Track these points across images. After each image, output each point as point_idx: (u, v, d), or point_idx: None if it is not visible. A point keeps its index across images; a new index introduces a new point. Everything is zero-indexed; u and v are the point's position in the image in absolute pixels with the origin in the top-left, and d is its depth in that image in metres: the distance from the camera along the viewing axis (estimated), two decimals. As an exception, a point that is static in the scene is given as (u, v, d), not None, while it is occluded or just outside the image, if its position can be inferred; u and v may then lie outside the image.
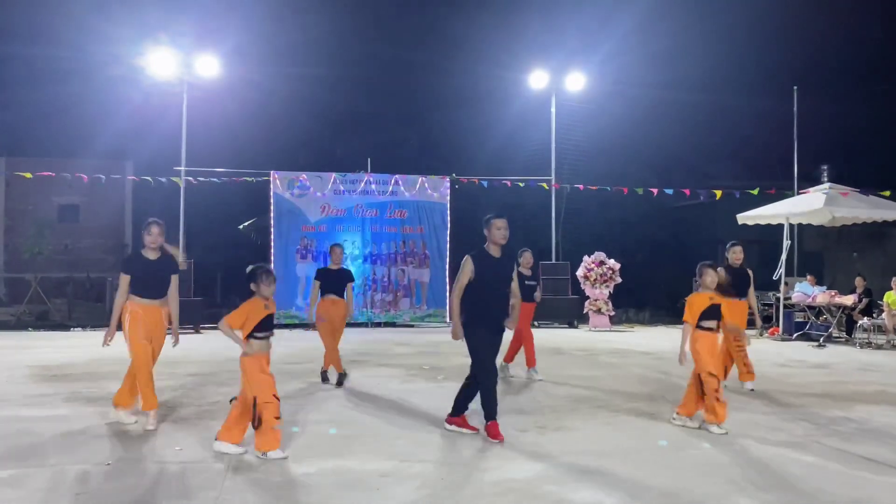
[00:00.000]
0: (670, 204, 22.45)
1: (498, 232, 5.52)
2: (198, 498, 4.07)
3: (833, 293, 13.39)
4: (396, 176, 16.74)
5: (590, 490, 4.24)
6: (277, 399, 4.93)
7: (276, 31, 30.83)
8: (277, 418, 4.87)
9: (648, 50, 28.33)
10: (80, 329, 15.71)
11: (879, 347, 12.27)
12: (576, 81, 18.00)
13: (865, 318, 12.89)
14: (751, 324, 10.11)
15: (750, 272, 8.00)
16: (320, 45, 31.26)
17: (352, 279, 8.03)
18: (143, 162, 24.92)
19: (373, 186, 16.56)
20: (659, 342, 13.13)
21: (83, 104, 28.43)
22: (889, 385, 8.13)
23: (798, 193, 15.85)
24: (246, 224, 24.21)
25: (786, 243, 13.87)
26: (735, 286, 7.39)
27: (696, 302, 5.96)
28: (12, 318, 17.26)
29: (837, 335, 13.48)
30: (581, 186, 17.87)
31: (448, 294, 16.68)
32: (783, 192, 16.49)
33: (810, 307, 13.80)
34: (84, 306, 20.09)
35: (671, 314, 18.76)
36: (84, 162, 24.89)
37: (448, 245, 16.65)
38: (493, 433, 5.41)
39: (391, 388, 7.65)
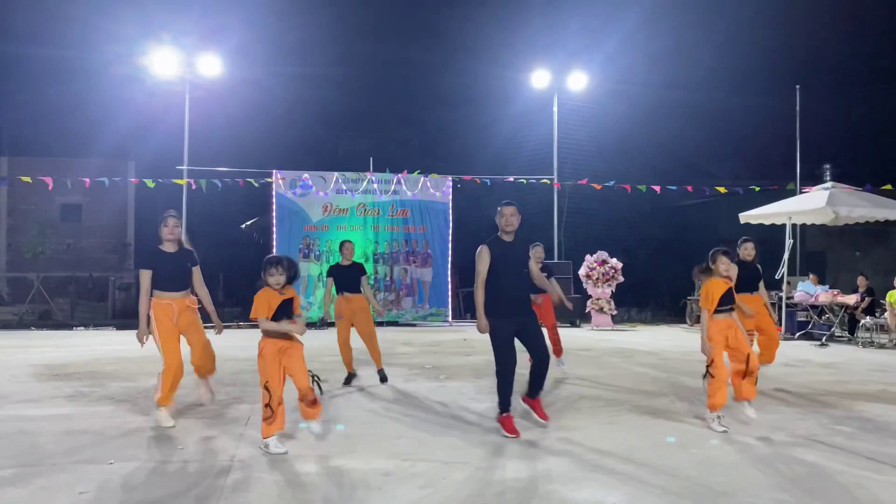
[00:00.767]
0: (672, 203, 22.43)
1: (507, 219, 5.62)
2: (200, 496, 4.07)
3: (835, 292, 13.37)
4: (398, 175, 16.77)
5: (591, 489, 4.23)
6: (268, 391, 4.96)
7: (279, 31, 30.92)
8: (267, 406, 4.93)
9: (650, 49, 28.39)
10: (82, 328, 15.75)
11: (882, 347, 12.25)
12: (578, 80, 18.02)
13: (868, 317, 12.88)
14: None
15: (760, 268, 8.01)
16: (323, 45, 31.36)
17: (365, 272, 8.03)
18: (146, 161, 24.97)
19: (375, 186, 16.57)
20: (661, 341, 13.11)
21: (86, 103, 28.51)
22: (892, 384, 8.11)
23: (800, 192, 15.84)
24: (248, 223, 24.20)
25: (788, 242, 13.83)
26: (746, 281, 7.40)
27: (714, 288, 5.82)
28: (15, 317, 17.29)
29: (840, 334, 13.47)
30: (584, 181, 17.86)
31: (449, 294, 16.70)
32: (785, 190, 16.49)
33: (813, 306, 13.79)
34: (86, 306, 20.14)
35: (674, 313, 18.75)
36: (86, 161, 24.98)
37: (450, 244, 16.67)
38: (507, 427, 5.46)
39: (393, 388, 7.65)
